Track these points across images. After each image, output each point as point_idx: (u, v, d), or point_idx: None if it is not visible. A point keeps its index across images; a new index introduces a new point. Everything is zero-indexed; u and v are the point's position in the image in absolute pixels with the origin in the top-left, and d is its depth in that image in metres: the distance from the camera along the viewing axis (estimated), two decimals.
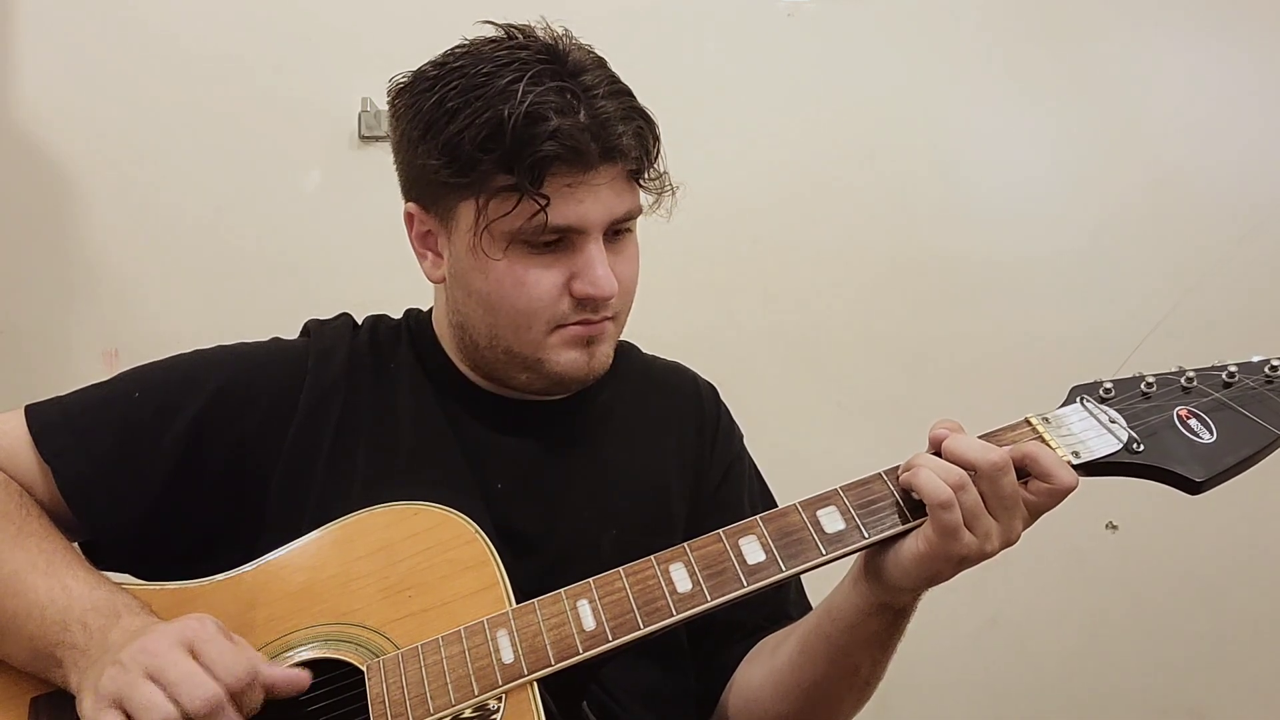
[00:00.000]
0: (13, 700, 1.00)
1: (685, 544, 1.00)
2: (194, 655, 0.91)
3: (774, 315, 2.09)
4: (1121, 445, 0.98)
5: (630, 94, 1.09)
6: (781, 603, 1.20)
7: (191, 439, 1.11)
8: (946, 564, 0.96)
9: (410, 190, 1.14)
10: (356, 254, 2.00)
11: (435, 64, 1.10)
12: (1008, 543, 0.96)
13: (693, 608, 0.96)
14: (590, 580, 0.99)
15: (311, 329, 1.23)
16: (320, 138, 2.03)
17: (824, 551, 0.97)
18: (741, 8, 2.07)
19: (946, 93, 2.10)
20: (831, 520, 0.98)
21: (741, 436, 1.31)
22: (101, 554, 1.11)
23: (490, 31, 1.12)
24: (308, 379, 1.16)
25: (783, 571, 0.97)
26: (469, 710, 0.94)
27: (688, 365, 1.33)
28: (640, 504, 1.19)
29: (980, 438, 0.99)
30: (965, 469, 0.95)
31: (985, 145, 2.13)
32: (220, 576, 1.05)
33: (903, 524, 0.97)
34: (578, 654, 0.95)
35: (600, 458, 1.20)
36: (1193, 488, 0.97)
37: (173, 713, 0.87)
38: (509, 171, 1.03)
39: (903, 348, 2.10)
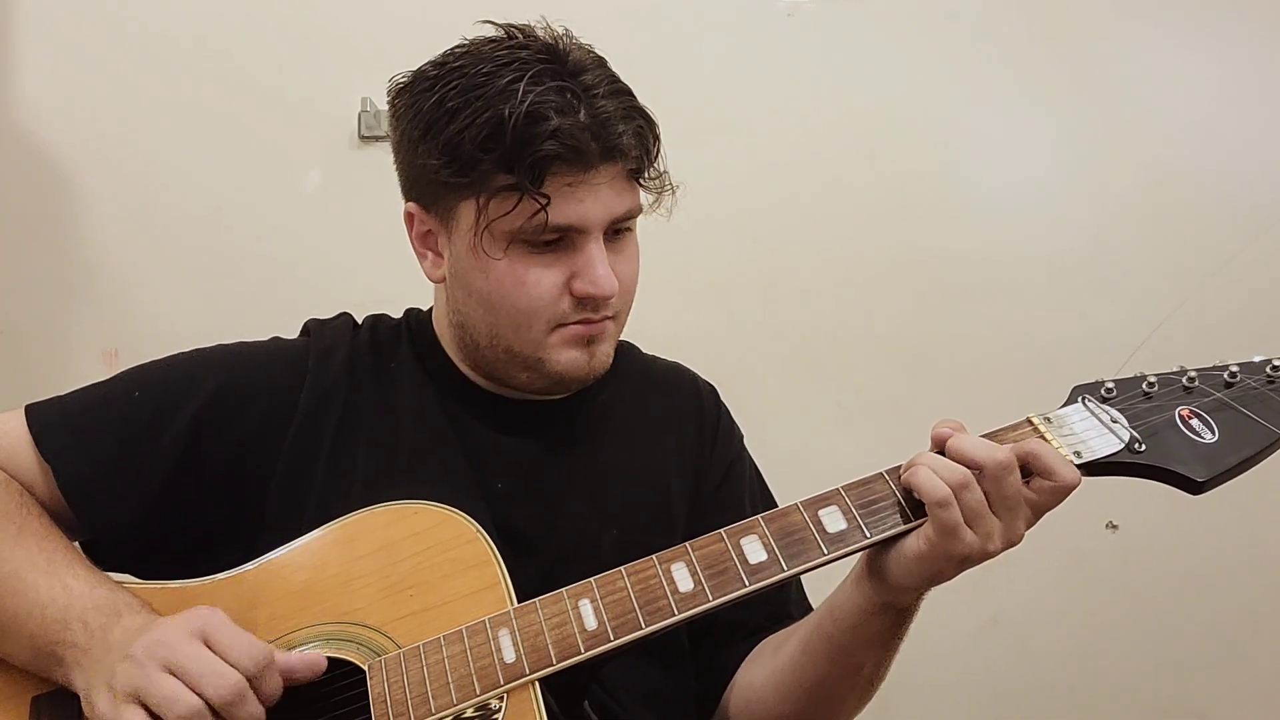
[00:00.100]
0: (14, 699, 1.00)
1: (687, 543, 1.00)
2: (208, 644, 0.91)
3: (774, 315, 2.09)
4: (1123, 445, 0.98)
5: (630, 93, 1.09)
6: (783, 603, 1.20)
7: (191, 438, 1.11)
8: (948, 563, 0.96)
9: (410, 190, 1.14)
10: (356, 254, 2.00)
11: (435, 64, 1.10)
12: (1010, 543, 0.96)
13: (694, 607, 0.96)
14: (592, 580, 0.99)
15: (311, 328, 1.23)
16: (320, 138, 2.03)
17: (826, 551, 0.97)
18: (741, 8, 2.07)
19: (946, 93, 2.10)
20: (833, 520, 0.98)
21: (741, 437, 1.31)
22: (102, 553, 1.11)
23: (490, 31, 1.12)
24: (308, 378, 1.16)
25: (784, 571, 0.97)
26: (471, 710, 0.94)
27: (687, 365, 1.33)
28: (640, 504, 1.19)
29: (982, 437, 0.99)
30: (970, 468, 0.94)
31: (985, 145, 2.13)
32: (221, 576, 1.05)
33: (904, 524, 0.97)
34: (579, 653, 0.95)
35: (600, 457, 1.20)
36: (1195, 488, 0.97)
37: (196, 704, 0.88)
38: (509, 171, 1.03)
39: (903, 348, 2.10)
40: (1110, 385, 1.03)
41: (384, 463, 1.13)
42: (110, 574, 1.05)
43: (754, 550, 0.98)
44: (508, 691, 0.94)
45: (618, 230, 1.11)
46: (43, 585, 0.99)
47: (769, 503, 1.26)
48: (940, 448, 0.98)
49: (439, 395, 1.18)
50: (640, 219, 1.14)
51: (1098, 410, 1.01)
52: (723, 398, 1.31)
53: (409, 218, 1.16)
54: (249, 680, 0.90)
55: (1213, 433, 0.98)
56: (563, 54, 1.08)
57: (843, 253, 2.09)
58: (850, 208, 2.09)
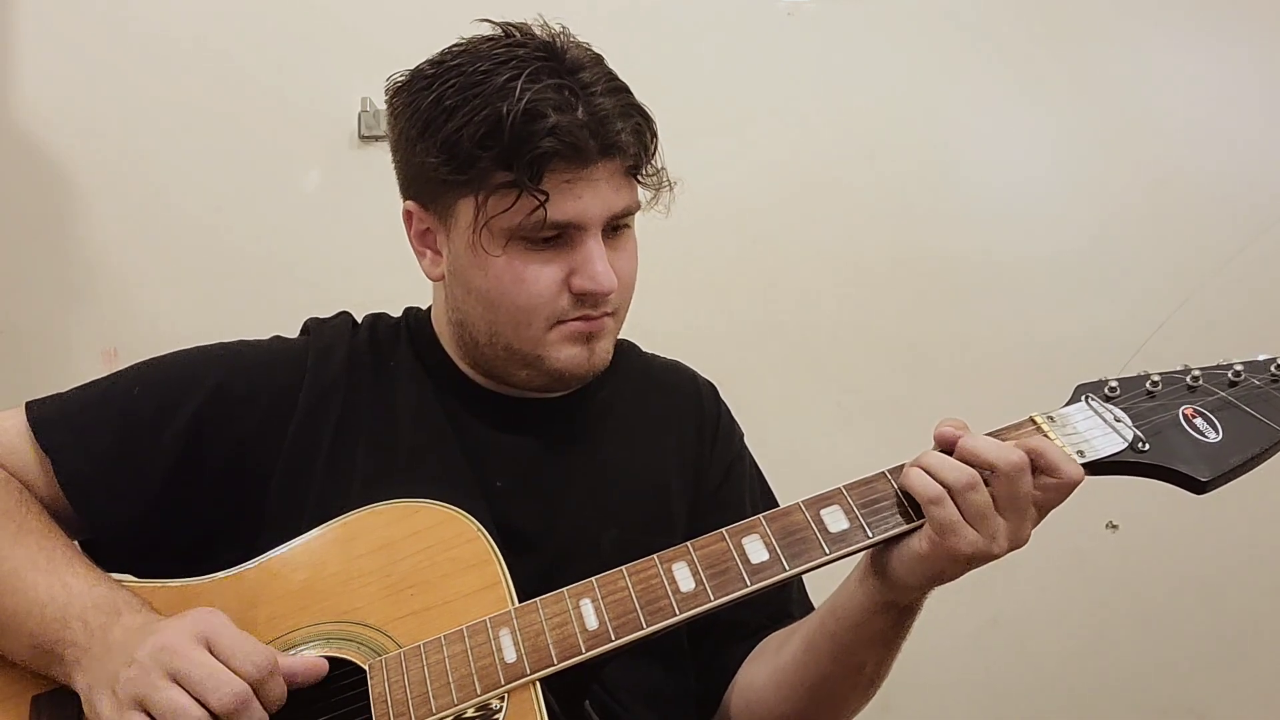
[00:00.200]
0: (14, 699, 1.00)
1: (688, 543, 0.99)
2: (210, 649, 0.90)
3: (774, 315, 2.09)
4: (1127, 444, 0.98)
5: (628, 90, 1.10)
6: (784, 602, 1.20)
7: (191, 435, 1.11)
8: (952, 564, 0.95)
9: (409, 189, 1.14)
10: (356, 254, 2.00)
11: (433, 62, 1.10)
12: (1016, 544, 0.96)
13: (696, 607, 0.96)
14: (593, 579, 0.99)
15: (311, 327, 1.23)
16: (320, 138, 2.03)
17: (828, 551, 0.97)
18: (741, 8, 2.07)
19: (946, 92, 2.10)
20: (835, 519, 0.98)
21: (742, 435, 1.31)
22: (101, 552, 1.11)
23: (487, 30, 1.12)
24: (307, 377, 1.16)
25: (786, 571, 0.96)
26: (471, 710, 0.94)
27: (687, 364, 1.33)
28: (640, 502, 1.19)
29: (986, 436, 0.99)
30: (983, 469, 0.94)
31: (985, 145, 2.13)
32: (221, 574, 1.05)
33: (906, 523, 0.97)
34: (580, 653, 0.95)
35: (600, 456, 1.20)
36: (1198, 487, 0.96)
37: (200, 714, 0.87)
38: (508, 168, 1.03)
39: (903, 347, 2.10)
40: (1114, 384, 1.03)
41: (383, 461, 1.13)
42: (110, 573, 1.04)
43: (756, 550, 0.98)
44: (509, 691, 0.94)
45: (616, 227, 1.11)
46: (42, 583, 0.99)
47: (770, 501, 1.26)
48: (944, 447, 0.97)
49: (438, 393, 1.18)
50: (640, 219, 1.14)
51: (1101, 409, 1.01)
52: (722, 397, 1.31)
53: (407, 216, 1.15)
54: (253, 687, 0.90)
55: (1217, 432, 0.98)
56: (560, 52, 1.08)
57: (843, 253, 2.09)
58: (850, 208, 2.09)
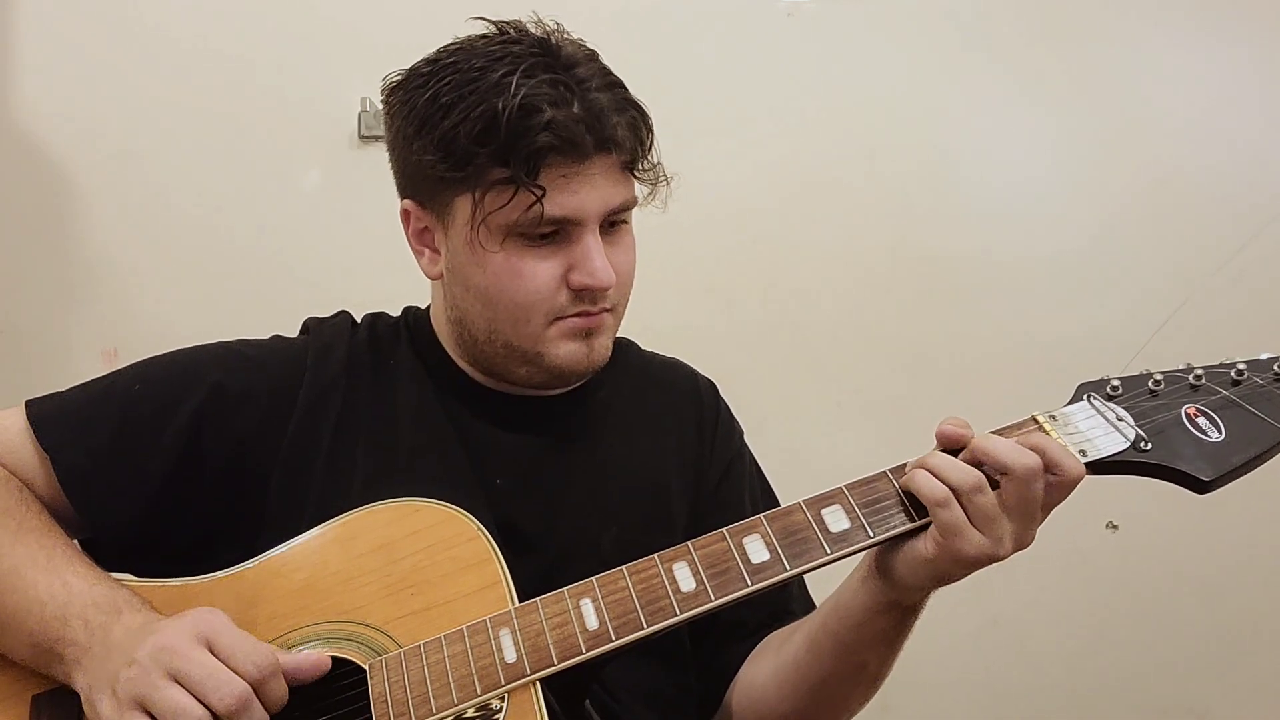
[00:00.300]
0: (14, 698, 1.00)
1: (689, 543, 0.99)
2: (211, 649, 0.90)
3: (774, 315, 2.09)
4: (1129, 444, 0.97)
5: (623, 86, 1.10)
6: (785, 601, 1.20)
7: (191, 434, 1.11)
8: (956, 566, 0.95)
9: (406, 187, 1.14)
10: (356, 253, 2.00)
11: (428, 60, 1.10)
12: (1021, 546, 0.95)
13: (696, 607, 0.96)
14: (593, 579, 0.99)
15: (310, 327, 1.22)
16: (320, 138, 2.03)
17: (829, 551, 0.96)
18: (741, 7, 2.07)
19: (946, 92, 2.10)
20: (836, 519, 0.97)
21: (741, 433, 1.31)
22: (101, 551, 1.10)
23: (482, 28, 1.12)
24: (307, 376, 1.15)
25: (787, 571, 0.96)
26: (472, 710, 0.93)
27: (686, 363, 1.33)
28: (640, 501, 1.19)
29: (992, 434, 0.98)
30: (996, 470, 0.94)
31: (985, 145, 2.13)
32: (221, 574, 1.05)
33: (908, 523, 0.96)
34: (581, 653, 0.95)
35: (599, 454, 1.20)
36: (1201, 487, 0.96)
37: (202, 714, 0.87)
38: (504, 164, 1.03)
39: (903, 347, 2.10)
40: (1116, 383, 1.02)
41: (383, 461, 1.13)
42: (110, 573, 1.04)
43: (756, 550, 0.97)
44: (509, 691, 0.94)
45: (614, 222, 1.11)
46: (42, 582, 0.99)
47: (770, 500, 1.26)
48: (947, 445, 0.97)
49: (438, 392, 1.18)
50: (640, 219, 1.14)
51: (1103, 408, 1.00)
52: (722, 395, 1.31)
53: (405, 215, 1.15)
54: (254, 686, 0.89)
55: (1219, 431, 0.97)
56: (555, 48, 1.08)
57: (842, 252, 2.09)
58: (850, 208, 2.09)
